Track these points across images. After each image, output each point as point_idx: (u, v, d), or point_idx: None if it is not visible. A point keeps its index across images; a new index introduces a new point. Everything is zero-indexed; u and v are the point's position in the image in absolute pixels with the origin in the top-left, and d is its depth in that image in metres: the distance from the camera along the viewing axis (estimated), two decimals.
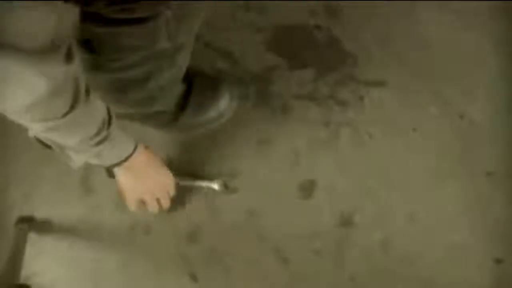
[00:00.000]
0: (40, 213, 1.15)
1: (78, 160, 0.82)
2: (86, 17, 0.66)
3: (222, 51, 1.18)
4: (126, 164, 0.90)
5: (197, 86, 1.12)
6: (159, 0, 0.66)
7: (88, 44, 0.78)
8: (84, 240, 1.14)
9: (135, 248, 1.15)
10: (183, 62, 0.92)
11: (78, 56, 0.79)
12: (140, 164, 0.93)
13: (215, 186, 1.15)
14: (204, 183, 1.15)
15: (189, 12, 0.75)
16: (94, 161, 0.84)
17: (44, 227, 1.14)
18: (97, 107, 0.75)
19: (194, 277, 1.13)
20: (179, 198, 1.13)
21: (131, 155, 0.90)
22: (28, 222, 1.13)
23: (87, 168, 1.15)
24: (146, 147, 0.96)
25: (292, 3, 1.17)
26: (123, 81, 0.86)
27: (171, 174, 1.06)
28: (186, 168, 1.16)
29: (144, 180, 1.00)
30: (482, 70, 1.20)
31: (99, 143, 0.78)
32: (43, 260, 1.13)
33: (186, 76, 1.02)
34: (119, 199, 1.12)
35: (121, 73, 0.83)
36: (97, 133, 0.76)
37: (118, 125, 0.82)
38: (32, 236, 1.12)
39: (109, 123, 0.78)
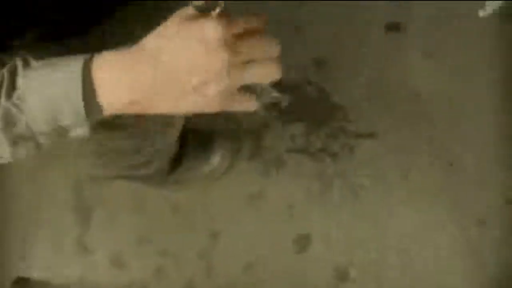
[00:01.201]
0: (37, 274, 1.15)
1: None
2: None
3: None
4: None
5: (190, 141, 1.13)
6: None
7: None
8: None
9: None
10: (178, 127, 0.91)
11: None
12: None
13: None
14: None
15: None
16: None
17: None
18: None
19: None
20: (173, 251, 1.14)
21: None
22: (25, 283, 1.13)
23: (82, 226, 1.16)
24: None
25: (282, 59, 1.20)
26: (114, 152, 0.85)
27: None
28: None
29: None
30: (472, 118, 1.20)
31: None
32: None
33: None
34: (115, 256, 1.13)
35: (109, 144, 0.82)
36: None
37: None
38: None
39: None
